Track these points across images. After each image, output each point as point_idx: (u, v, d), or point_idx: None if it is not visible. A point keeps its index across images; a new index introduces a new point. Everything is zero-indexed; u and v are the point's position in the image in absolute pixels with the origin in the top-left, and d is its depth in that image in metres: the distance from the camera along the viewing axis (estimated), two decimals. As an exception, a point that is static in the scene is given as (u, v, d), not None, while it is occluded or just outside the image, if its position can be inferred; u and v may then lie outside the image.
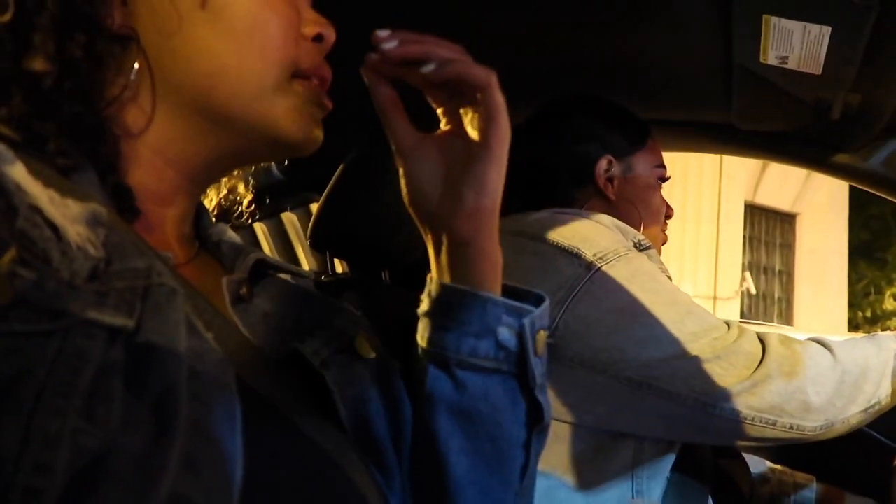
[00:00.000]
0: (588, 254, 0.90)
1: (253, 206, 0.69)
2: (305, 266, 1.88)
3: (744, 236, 9.10)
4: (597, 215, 0.99)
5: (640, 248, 0.96)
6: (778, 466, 1.34)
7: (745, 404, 0.84)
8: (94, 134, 0.46)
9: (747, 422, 0.84)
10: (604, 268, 0.89)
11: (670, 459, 0.97)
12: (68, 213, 0.37)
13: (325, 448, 0.46)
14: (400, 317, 1.35)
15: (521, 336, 0.55)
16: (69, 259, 0.35)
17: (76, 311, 0.34)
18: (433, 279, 0.57)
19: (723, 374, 0.84)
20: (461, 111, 0.55)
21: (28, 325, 0.32)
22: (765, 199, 9.30)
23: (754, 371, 0.84)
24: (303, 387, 0.49)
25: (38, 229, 0.35)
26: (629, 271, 0.90)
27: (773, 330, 1.00)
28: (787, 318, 9.47)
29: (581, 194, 1.08)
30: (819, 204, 9.67)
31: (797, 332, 1.05)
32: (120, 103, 0.47)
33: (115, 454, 0.32)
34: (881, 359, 0.90)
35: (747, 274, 8.73)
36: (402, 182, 0.56)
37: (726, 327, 0.89)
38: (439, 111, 0.57)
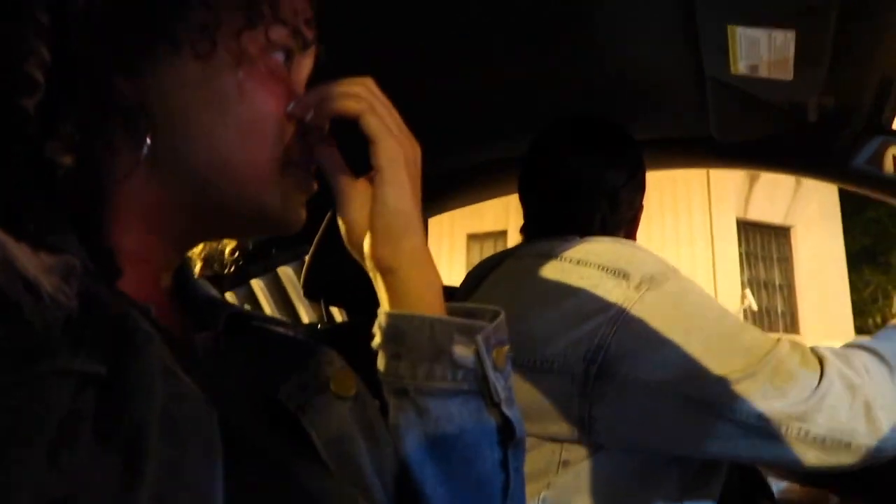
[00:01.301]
0: (636, 276, 0.90)
1: (237, 254, 0.69)
2: (305, 319, 1.87)
3: (739, 253, 9.13)
4: (631, 241, 1.00)
5: (673, 270, 0.96)
6: (795, 485, 1.32)
7: (814, 422, 0.80)
8: (86, 203, 0.46)
9: (817, 443, 0.81)
10: (653, 288, 0.89)
11: (717, 485, 0.95)
12: (41, 265, 0.37)
13: (309, 488, 0.45)
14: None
15: (477, 353, 0.54)
16: (41, 309, 0.35)
17: (48, 360, 0.34)
18: (380, 311, 0.57)
19: (783, 389, 0.81)
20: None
21: None
22: (756, 214, 9.36)
23: (816, 387, 0.82)
24: (284, 431, 0.48)
25: (10, 282, 0.35)
26: (678, 290, 0.90)
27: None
28: (792, 332, 9.43)
29: (618, 225, 1.08)
30: (811, 214, 9.74)
31: (807, 343, 1.04)
32: (120, 178, 0.48)
33: (82, 500, 0.32)
34: None
35: (747, 291, 8.73)
36: (340, 224, 0.57)
37: (777, 342, 0.87)
38: None
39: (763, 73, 1.00)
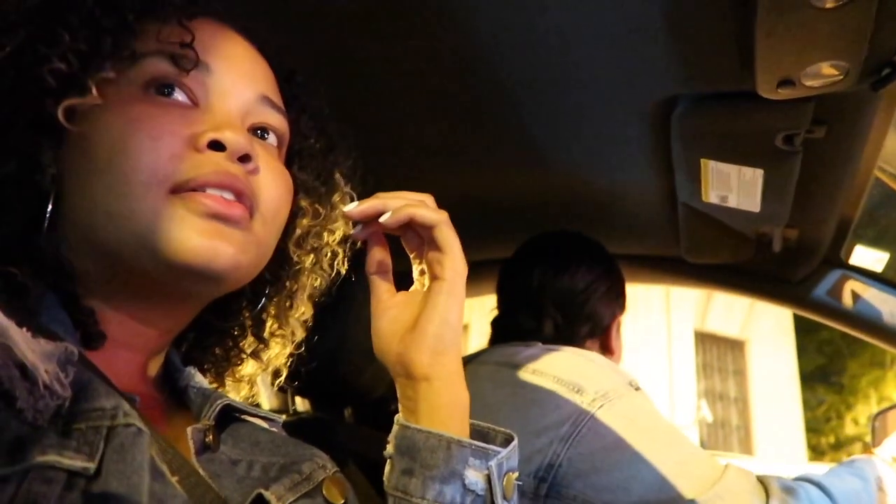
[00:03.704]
0: (590, 391, 0.90)
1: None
2: (265, 403, 1.82)
3: (696, 364, 9.21)
4: (591, 353, 1.01)
5: (633, 387, 0.97)
6: None
7: None
8: (52, 268, 0.47)
9: None
10: (606, 406, 0.89)
11: None
12: (40, 351, 0.37)
13: None
14: (363, 457, 1.31)
15: (489, 479, 0.54)
16: (35, 398, 0.35)
17: (36, 453, 0.33)
18: (398, 420, 0.57)
19: None
20: (426, 254, 0.59)
21: None
22: (714, 325, 9.52)
23: None
24: None
25: (5, 368, 0.35)
26: (631, 410, 0.91)
27: (734, 460, 1.01)
28: (746, 447, 9.42)
29: (577, 333, 1.09)
30: (766, 330, 9.94)
31: (758, 463, 1.05)
32: (58, 239, 0.48)
33: None
34: (869, 492, 0.91)
35: (703, 402, 8.75)
36: (373, 330, 0.59)
37: (725, 470, 0.88)
38: (412, 257, 0.61)
39: (732, 203, 1.06)
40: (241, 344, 0.64)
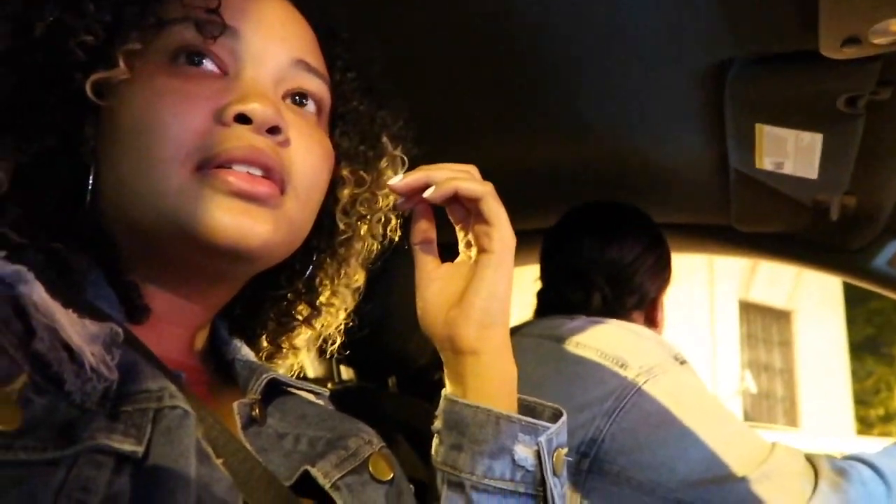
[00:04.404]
0: (635, 365, 0.89)
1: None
2: (310, 371, 1.85)
3: (740, 334, 9.06)
4: (635, 326, 0.99)
5: (679, 361, 0.95)
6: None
7: None
8: (95, 243, 0.47)
9: None
10: (651, 381, 0.88)
11: None
12: (86, 333, 0.37)
13: None
14: (408, 426, 1.32)
15: (538, 455, 0.53)
16: (82, 381, 0.35)
17: (85, 436, 0.33)
18: (445, 395, 0.56)
19: (775, 497, 0.80)
20: (472, 226, 0.57)
21: (34, 454, 0.32)
22: (759, 296, 9.33)
23: (810, 498, 0.81)
24: None
25: (53, 351, 0.35)
26: (676, 385, 0.89)
27: (779, 433, 0.98)
28: (791, 418, 9.28)
29: (624, 305, 1.07)
30: (813, 299, 9.70)
31: (804, 435, 1.02)
32: (98, 216, 0.48)
33: None
34: None
35: (747, 372, 8.63)
36: (418, 303, 0.58)
37: (773, 448, 0.86)
38: (457, 228, 0.60)
39: (788, 170, 1.02)
40: (293, 312, 0.63)
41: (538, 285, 1.17)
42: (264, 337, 0.64)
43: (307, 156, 0.50)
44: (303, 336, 0.65)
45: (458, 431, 0.54)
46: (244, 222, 0.45)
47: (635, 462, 0.83)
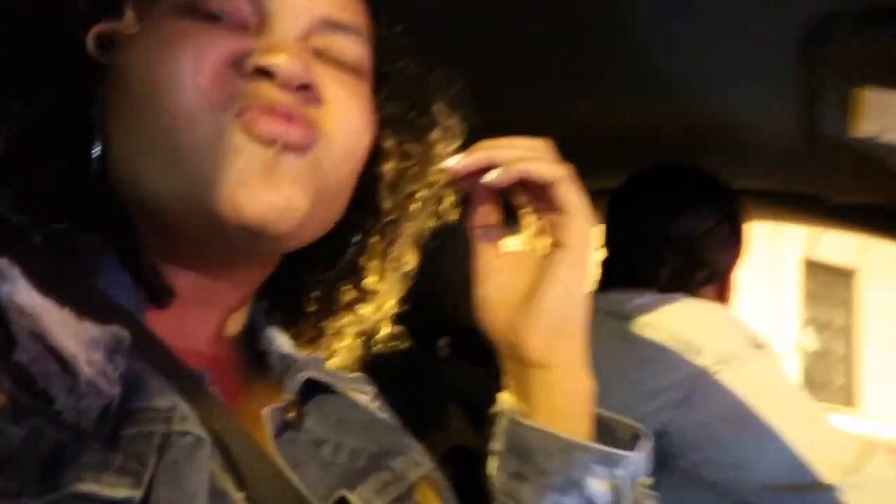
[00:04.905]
0: (710, 351, 0.82)
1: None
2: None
3: (802, 292, 8.79)
4: (711, 306, 0.91)
5: (758, 345, 0.88)
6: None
7: None
8: (105, 221, 0.42)
9: None
10: (728, 370, 0.80)
11: None
12: (83, 337, 0.31)
13: None
14: (459, 392, 1.30)
15: (616, 489, 0.46)
16: (76, 397, 0.30)
17: (69, 478, 0.28)
18: (507, 411, 0.49)
19: None
20: (543, 214, 0.50)
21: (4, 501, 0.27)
22: (823, 253, 9.00)
23: None
24: None
25: (38, 362, 0.30)
26: (758, 376, 0.82)
27: (834, 413, 0.91)
28: (849, 379, 9.03)
29: (694, 279, 0.99)
30: (880, 259, 9.30)
31: (863, 395, 0.95)
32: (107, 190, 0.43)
33: None
34: None
35: (807, 330, 8.40)
36: (475, 298, 0.51)
37: (858, 447, 0.79)
38: (523, 213, 0.52)
39: (889, 137, 0.92)
40: (336, 294, 0.57)
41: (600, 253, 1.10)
42: (305, 320, 0.58)
43: (342, 117, 0.44)
44: (348, 320, 0.59)
45: (521, 458, 0.47)
46: (268, 194, 0.40)
47: (707, 460, 0.78)
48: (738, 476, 0.76)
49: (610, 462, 0.46)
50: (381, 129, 0.51)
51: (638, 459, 0.48)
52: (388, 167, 0.53)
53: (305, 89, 0.41)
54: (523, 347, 0.48)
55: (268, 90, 0.40)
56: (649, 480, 0.50)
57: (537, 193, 0.49)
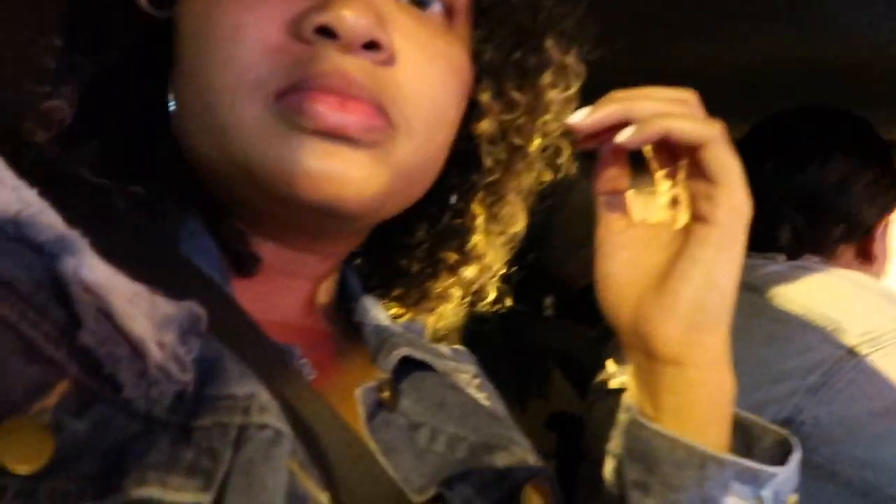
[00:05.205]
0: (853, 332, 0.70)
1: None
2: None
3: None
4: (859, 277, 0.79)
5: None
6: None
7: None
8: (184, 183, 0.39)
9: None
10: (876, 353, 0.69)
11: None
12: (156, 316, 0.28)
13: None
14: (564, 355, 1.22)
15: None
16: (147, 383, 0.27)
17: (133, 477, 0.25)
18: (630, 409, 0.43)
19: None
20: (685, 180, 0.41)
21: None
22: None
23: None
24: None
25: (105, 345, 0.26)
26: None
27: None
28: None
29: (833, 242, 0.86)
30: None
31: None
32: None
33: None
34: None
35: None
36: (598, 274, 0.44)
37: None
38: (659, 177, 0.44)
39: None
40: (437, 257, 0.52)
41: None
42: (408, 282, 0.53)
43: (424, 77, 0.37)
44: (452, 282, 0.53)
45: (645, 466, 0.41)
46: (334, 168, 0.34)
47: (846, 456, 0.67)
48: (883, 478, 0.65)
49: (754, 479, 0.39)
50: (479, 79, 0.44)
51: (786, 476, 0.41)
52: (488, 123, 0.46)
53: (373, 48, 0.35)
54: (654, 340, 0.40)
55: (329, 58, 0.34)
56: (795, 496, 0.42)
57: (680, 156, 0.41)
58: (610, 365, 0.89)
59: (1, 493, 0.23)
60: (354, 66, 0.34)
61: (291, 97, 0.34)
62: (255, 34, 0.34)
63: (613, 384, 0.87)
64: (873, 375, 0.68)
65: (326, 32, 0.34)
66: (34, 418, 0.24)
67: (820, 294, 0.74)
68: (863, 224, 0.87)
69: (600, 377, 0.91)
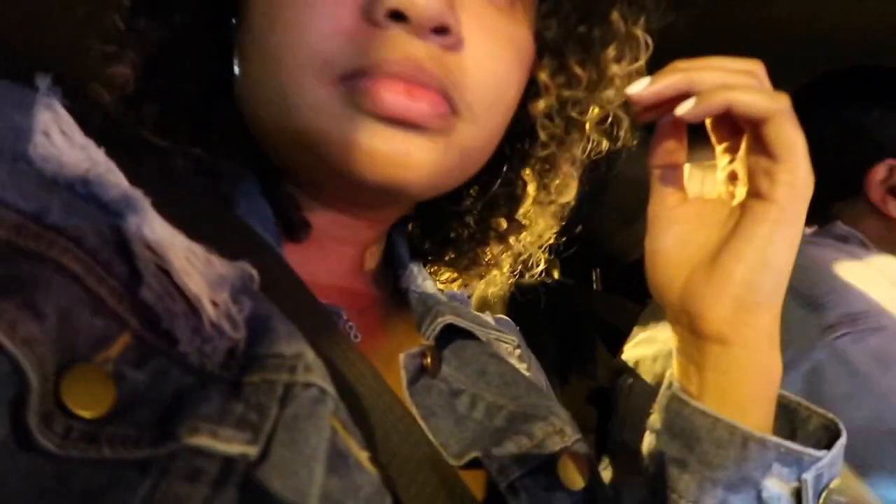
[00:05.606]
0: (834, 310, 0.65)
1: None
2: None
3: None
4: (854, 249, 0.76)
5: None
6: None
7: None
8: (244, 146, 0.40)
9: None
10: (853, 335, 0.64)
11: None
12: (211, 275, 0.29)
13: None
14: (610, 328, 1.21)
15: (797, 493, 0.39)
16: (201, 339, 0.28)
17: (186, 427, 0.26)
18: (672, 385, 0.43)
19: None
20: (745, 155, 0.40)
21: (122, 450, 0.25)
22: None
23: None
24: None
25: (163, 300, 0.28)
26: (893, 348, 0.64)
27: None
28: None
29: (847, 209, 0.84)
30: None
31: None
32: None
33: None
34: None
35: None
36: (649, 250, 0.43)
37: None
38: (718, 150, 0.43)
39: None
40: (487, 224, 0.53)
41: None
42: (458, 248, 0.54)
43: (490, 63, 0.38)
44: (502, 249, 0.54)
45: (684, 443, 0.40)
46: (398, 153, 0.35)
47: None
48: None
49: (797, 462, 0.39)
50: (540, 55, 0.43)
51: (830, 461, 0.40)
52: (547, 100, 0.46)
53: (442, 32, 0.35)
54: (701, 318, 0.40)
55: (399, 43, 0.35)
56: (838, 482, 0.41)
57: (742, 129, 0.40)
58: (635, 331, 0.88)
59: (66, 432, 0.24)
60: (423, 51, 0.35)
61: (360, 81, 0.34)
62: (328, 15, 0.34)
63: (628, 351, 0.86)
64: (845, 359, 0.63)
65: (398, 16, 0.34)
66: (98, 367, 0.26)
67: (804, 269, 0.68)
68: (855, 178, 0.84)
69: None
